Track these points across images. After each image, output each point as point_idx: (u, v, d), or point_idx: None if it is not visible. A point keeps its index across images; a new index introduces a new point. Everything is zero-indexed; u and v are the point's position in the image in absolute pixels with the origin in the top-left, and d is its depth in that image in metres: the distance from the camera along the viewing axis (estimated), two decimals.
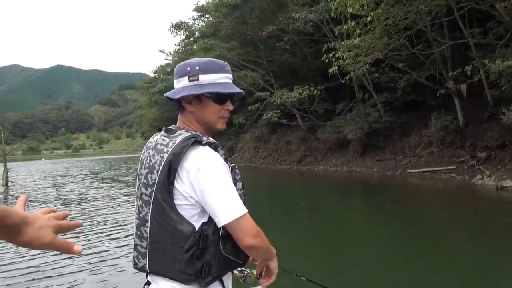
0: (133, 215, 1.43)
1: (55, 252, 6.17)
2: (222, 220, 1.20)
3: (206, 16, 29.26)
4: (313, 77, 20.35)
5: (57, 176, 25.70)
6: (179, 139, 1.27)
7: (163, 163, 1.25)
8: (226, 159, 1.30)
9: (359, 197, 12.18)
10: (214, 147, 1.29)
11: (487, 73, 11.11)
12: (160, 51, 43.60)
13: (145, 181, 1.30)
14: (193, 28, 31.12)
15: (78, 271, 5.27)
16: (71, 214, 9.77)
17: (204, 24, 29.82)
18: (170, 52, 36.53)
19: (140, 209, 1.32)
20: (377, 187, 13.35)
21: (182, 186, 1.23)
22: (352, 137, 17.02)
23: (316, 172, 18.64)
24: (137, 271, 1.39)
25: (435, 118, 14.38)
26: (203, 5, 28.23)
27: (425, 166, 13.82)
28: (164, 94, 1.42)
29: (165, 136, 1.33)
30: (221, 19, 21.86)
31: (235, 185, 1.28)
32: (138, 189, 1.35)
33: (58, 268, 5.43)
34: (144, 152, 1.38)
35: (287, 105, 19.55)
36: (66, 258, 5.77)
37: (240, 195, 1.27)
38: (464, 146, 13.44)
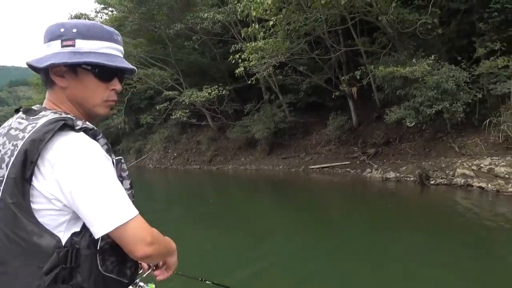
0: None
1: None
2: (99, 230, 0.93)
3: (110, 9, 27.61)
4: (222, 78, 20.59)
5: None
6: (41, 121, 0.96)
7: (15, 153, 0.93)
8: (108, 150, 1.03)
9: (265, 193, 12.74)
10: (93, 135, 1.01)
11: (374, 77, 12.52)
12: None
13: None
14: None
15: None
16: None
17: (108, 18, 28.08)
18: None
19: None
20: (283, 183, 14.08)
21: (44, 185, 0.93)
22: (260, 137, 17.66)
23: (226, 172, 18.89)
24: None
25: (332, 118, 15.69)
26: None
27: (324, 162, 14.98)
28: (26, 61, 1.05)
29: (22, 119, 1.01)
30: (126, 14, 20.85)
31: (121, 184, 1.01)
32: None
33: None
34: None
35: (196, 105, 19.47)
36: None
37: (127, 195, 1.00)
38: (357, 144, 14.91)
